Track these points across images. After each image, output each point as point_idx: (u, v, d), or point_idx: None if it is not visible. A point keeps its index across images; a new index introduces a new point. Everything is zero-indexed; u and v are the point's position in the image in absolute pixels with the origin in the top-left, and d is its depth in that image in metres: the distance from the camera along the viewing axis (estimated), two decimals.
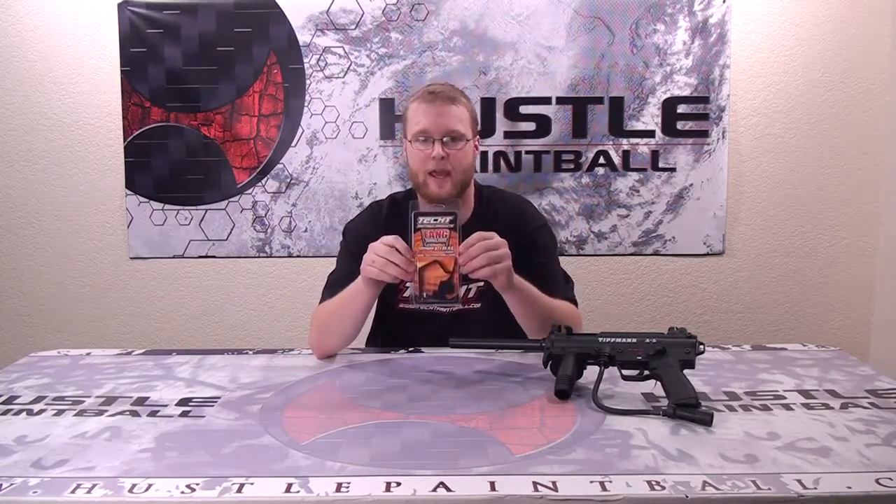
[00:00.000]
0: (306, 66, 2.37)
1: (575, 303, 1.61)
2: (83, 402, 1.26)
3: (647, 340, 1.25)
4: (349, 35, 2.35)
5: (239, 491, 0.92)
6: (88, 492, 0.92)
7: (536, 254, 1.58)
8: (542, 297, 1.47)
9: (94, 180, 2.44)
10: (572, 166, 2.40)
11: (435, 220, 1.33)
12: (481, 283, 1.57)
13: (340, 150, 2.40)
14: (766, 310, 2.48)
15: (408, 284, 1.58)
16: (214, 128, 2.39)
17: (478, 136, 1.63)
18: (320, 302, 1.57)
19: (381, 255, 1.34)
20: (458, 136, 1.53)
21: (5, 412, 1.21)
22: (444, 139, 1.52)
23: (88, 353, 1.56)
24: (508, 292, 1.43)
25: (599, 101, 2.36)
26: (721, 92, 2.35)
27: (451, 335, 1.39)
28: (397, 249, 1.33)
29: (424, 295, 1.33)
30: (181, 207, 2.43)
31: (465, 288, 1.58)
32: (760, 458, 1.00)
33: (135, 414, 1.20)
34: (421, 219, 1.33)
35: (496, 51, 2.35)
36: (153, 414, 1.19)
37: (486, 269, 1.33)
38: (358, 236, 1.62)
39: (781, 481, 0.93)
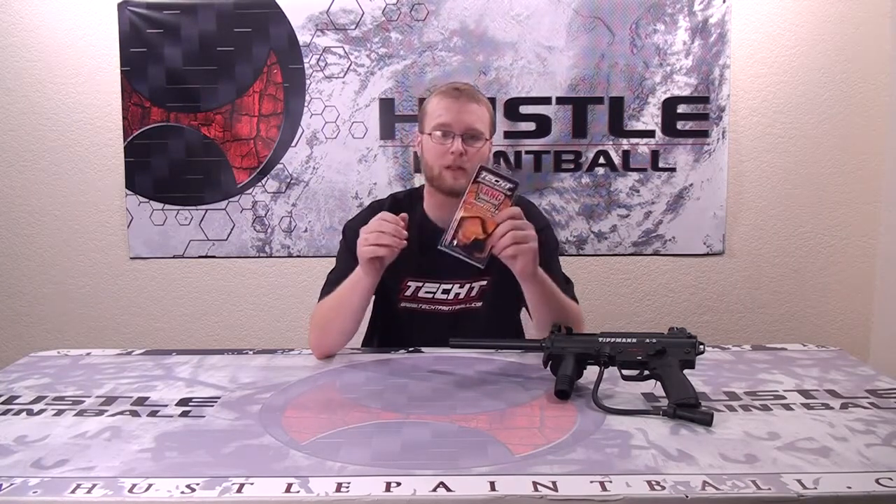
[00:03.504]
0: (306, 66, 2.37)
1: (577, 303, 1.61)
2: (83, 402, 1.26)
3: (647, 340, 1.25)
4: (349, 35, 2.35)
5: (239, 491, 0.92)
6: (88, 492, 0.92)
7: (539, 254, 1.58)
8: (558, 291, 1.48)
9: (94, 180, 2.44)
10: (572, 166, 2.40)
11: (498, 180, 1.34)
12: (483, 282, 1.58)
13: (340, 150, 2.40)
14: (766, 310, 2.48)
15: (409, 283, 1.59)
16: (214, 128, 2.39)
17: (492, 140, 1.63)
18: (319, 300, 1.57)
19: (372, 230, 1.35)
20: (478, 135, 1.54)
21: (5, 412, 1.21)
22: (464, 136, 1.52)
23: (88, 353, 1.56)
24: (530, 281, 1.42)
25: (599, 101, 2.36)
26: (721, 92, 2.35)
27: (452, 335, 1.39)
28: (385, 220, 1.34)
29: (455, 242, 1.34)
30: (181, 207, 2.43)
31: (466, 287, 1.59)
32: (760, 458, 1.00)
33: (135, 414, 1.20)
34: (484, 173, 1.34)
35: (496, 51, 2.35)
36: (153, 414, 1.19)
37: (511, 249, 1.33)
38: (358, 235, 1.62)
39: (781, 481, 0.93)
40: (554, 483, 0.92)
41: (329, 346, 1.52)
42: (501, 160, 2.39)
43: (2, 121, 2.42)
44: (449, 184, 1.53)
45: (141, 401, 1.26)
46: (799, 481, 0.93)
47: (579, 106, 2.37)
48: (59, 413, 1.20)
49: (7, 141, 2.43)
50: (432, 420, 1.15)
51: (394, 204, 1.66)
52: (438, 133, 1.53)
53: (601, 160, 2.39)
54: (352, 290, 1.47)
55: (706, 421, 1.11)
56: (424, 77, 2.35)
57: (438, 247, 1.36)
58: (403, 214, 1.38)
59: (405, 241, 1.34)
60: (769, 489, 0.91)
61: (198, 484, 0.93)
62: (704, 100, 2.35)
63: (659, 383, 1.21)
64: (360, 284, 1.45)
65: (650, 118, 2.36)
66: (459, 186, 1.51)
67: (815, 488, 0.91)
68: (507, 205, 1.33)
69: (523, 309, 1.60)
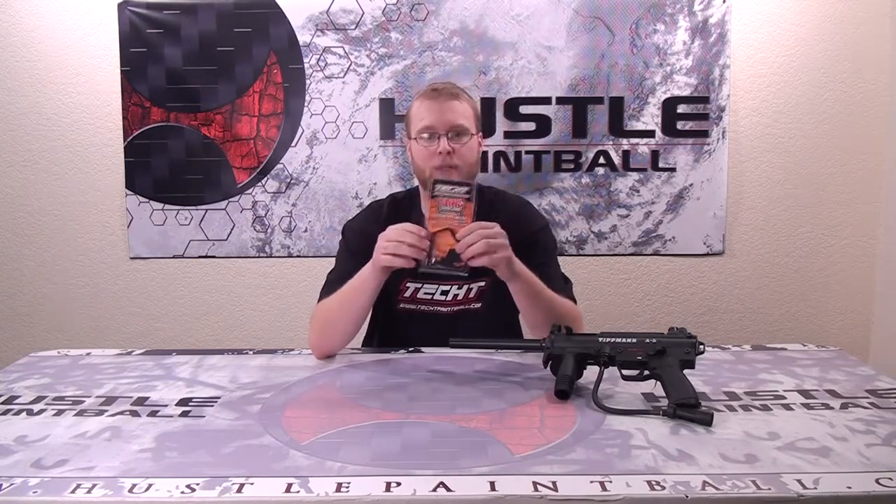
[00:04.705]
0: (306, 66, 2.37)
1: (574, 302, 1.61)
2: (83, 402, 1.26)
3: (647, 340, 1.25)
4: (349, 35, 2.35)
5: (239, 491, 0.92)
6: (88, 492, 0.92)
7: (537, 254, 1.58)
8: (547, 290, 1.48)
9: (94, 180, 2.44)
10: (572, 166, 2.40)
11: (452, 188, 1.36)
12: (482, 283, 1.58)
13: (340, 150, 2.40)
14: (766, 310, 2.48)
15: (408, 284, 1.59)
16: (214, 128, 2.39)
17: (481, 133, 1.63)
18: (319, 300, 1.57)
19: (393, 239, 1.35)
20: (463, 131, 1.54)
21: (5, 412, 1.21)
22: (449, 134, 1.52)
23: (88, 353, 1.56)
24: (513, 281, 1.43)
25: (599, 101, 2.36)
26: (721, 92, 2.35)
27: (451, 335, 1.39)
28: (408, 231, 1.34)
29: (433, 259, 1.35)
30: (181, 207, 2.43)
31: (465, 287, 1.59)
32: (760, 458, 1.00)
33: (135, 414, 1.20)
34: (439, 186, 1.36)
35: (496, 51, 2.35)
36: (153, 414, 1.19)
37: (485, 257, 1.34)
38: (358, 235, 1.62)
39: (781, 481, 0.93)
40: (554, 483, 0.92)
41: (330, 347, 1.52)
42: (501, 160, 2.39)
43: (2, 121, 2.41)
44: None
45: (141, 401, 1.26)
46: (799, 481, 0.93)
47: (579, 106, 2.37)
48: (59, 413, 1.20)
49: (7, 141, 2.43)
50: (432, 420, 1.15)
51: (392, 204, 1.67)
52: (424, 136, 1.53)
53: (601, 160, 2.39)
54: (357, 292, 1.47)
55: (706, 421, 1.11)
56: (424, 77, 2.35)
57: (420, 270, 1.36)
58: (426, 231, 1.36)
59: (424, 251, 1.34)
60: (769, 489, 0.91)
61: (198, 484, 0.93)
62: (704, 100, 2.35)
63: (659, 383, 1.21)
64: (366, 285, 1.45)
65: (650, 118, 2.36)
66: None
67: (815, 488, 0.91)
68: (469, 207, 1.35)
69: None
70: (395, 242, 1.35)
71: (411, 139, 1.58)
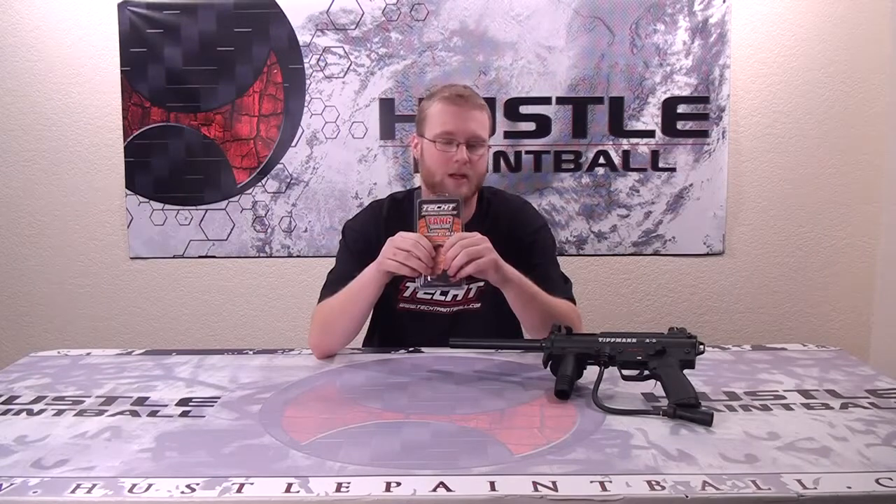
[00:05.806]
0: (306, 66, 2.37)
1: (574, 302, 1.61)
2: (83, 402, 1.26)
3: (647, 340, 1.25)
4: (349, 35, 2.35)
5: (239, 491, 0.92)
6: (88, 492, 0.92)
7: (536, 254, 1.59)
8: (542, 293, 1.48)
9: (94, 180, 2.44)
10: (572, 166, 2.39)
11: (439, 207, 1.37)
12: (481, 283, 1.58)
13: (340, 150, 2.40)
14: (766, 310, 2.48)
15: (408, 285, 1.59)
16: (214, 128, 2.39)
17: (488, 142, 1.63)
18: (319, 300, 1.57)
19: (404, 248, 1.35)
20: (480, 143, 1.54)
21: (5, 412, 1.21)
22: (467, 143, 1.52)
23: (88, 353, 1.56)
24: (506, 287, 1.44)
25: (599, 101, 2.36)
26: (721, 92, 2.35)
27: (452, 335, 1.39)
28: (421, 244, 1.34)
29: (429, 278, 1.36)
30: (181, 207, 2.43)
31: (465, 288, 1.59)
32: (760, 458, 1.00)
33: (135, 414, 1.20)
34: (425, 206, 1.37)
35: (496, 51, 2.35)
36: (153, 414, 1.19)
37: (470, 267, 1.34)
38: (358, 235, 1.62)
39: (781, 481, 0.93)
40: (554, 483, 0.92)
41: (330, 346, 1.52)
42: (501, 160, 2.39)
43: (2, 121, 2.41)
44: (451, 191, 1.52)
45: (141, 401, 1.26)
46: (799, 481, 0.93)
47: (579, 106, 2.37)
48: (59, 413, 1.20)
49: (7, 141, 2.43)
50: (432, 420, 1.15)
51: (392, 204, 1.67)
52: (442, 141, 1.53)
53: (601, 160, 2.39)
54: (359, 292, 1.47)
55: (706, 421, 1.11)
56: (424, 77, 2.35)
57: (418, 288, 1.36)
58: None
59: (431, 269, 1.35)
60: (769, 489, 0.91)
61: (198, 484, 0.93)
62: (704, 100, 2.35)
63: (659, 383, 1.21)
64: (368, 287, 1.45)
65: (650, 118, 2.36)
66: (461, 194, 1.52)
67: (815, 488, 0.91)
68: (457, 222, 1.36)
69: None
70: (405, 253, 1.34)
71: (424, 138, 1.58)
